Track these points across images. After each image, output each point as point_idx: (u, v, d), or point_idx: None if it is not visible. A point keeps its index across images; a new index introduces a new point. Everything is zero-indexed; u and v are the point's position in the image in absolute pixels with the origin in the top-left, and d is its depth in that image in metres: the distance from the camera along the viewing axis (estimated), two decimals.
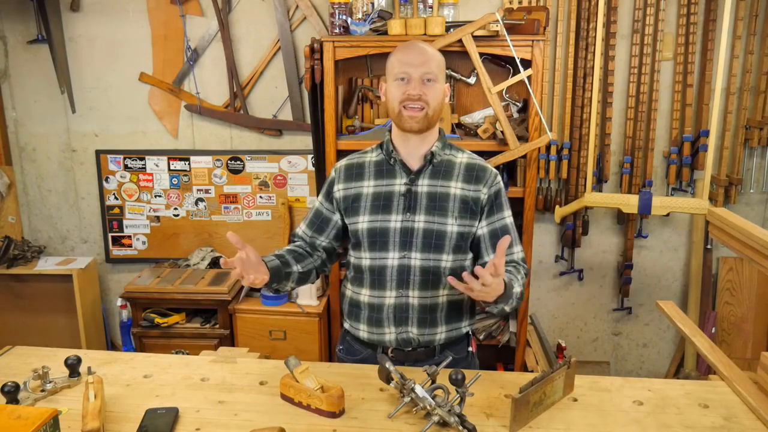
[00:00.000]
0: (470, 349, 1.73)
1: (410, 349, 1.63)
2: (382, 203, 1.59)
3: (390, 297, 1.60)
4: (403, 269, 1.58)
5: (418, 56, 1.54)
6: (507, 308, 1.49)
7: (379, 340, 1.64)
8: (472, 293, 1.37)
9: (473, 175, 1.61)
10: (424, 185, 1.59)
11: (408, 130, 1.57)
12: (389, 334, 1.62)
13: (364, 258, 1.62)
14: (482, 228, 1.61)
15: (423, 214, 1.57)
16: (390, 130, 1.66)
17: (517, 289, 1.51)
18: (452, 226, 1.58)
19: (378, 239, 1.59)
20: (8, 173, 3.26)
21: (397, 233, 1.58)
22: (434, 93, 1.55)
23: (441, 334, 1.63)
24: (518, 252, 1.64)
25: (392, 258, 1.59)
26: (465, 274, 1.34)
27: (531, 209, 2.56)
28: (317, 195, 2.92)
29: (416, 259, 1.58)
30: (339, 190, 1.66)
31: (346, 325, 1.72)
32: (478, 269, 1.31)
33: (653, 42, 2.81)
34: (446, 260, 1.59)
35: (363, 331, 1.66)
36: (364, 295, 1.64)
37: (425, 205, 1.57)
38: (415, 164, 1.62)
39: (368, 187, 1.62)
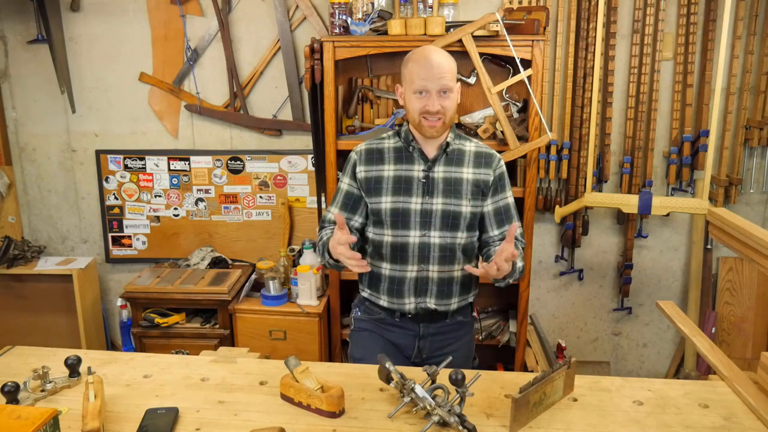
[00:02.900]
0: (474, 314, 1.97)
1: (427, 313, 1.81)
2: (403, 186, 1.75)
3: (412, 271, 1.77)
4: (424, 246, 1.75)
5: (436, 71, 1.66)
6: (510, 281, 1.71)
7: (398, 308, 1.81)
8: (486, 275, 1.57)
9: (482, 161, 1.79)
10: (440, 171, 1.76)
11: (428, 137, 1.74)
12: (409, 304, 1.80)
13: (386, 235, 1.78)
14: (487, 206, 1.79)
15: (440, 197, 1.74)
16: (408, 121, 1.79)
17: (520, 264, 1.70)
18: (466, 207, 1.75)
19: (400, 219, 1.75)
20: (8, 173, 3.26)
21: (418, 214, 1.74)
22: (450, 103, 1.70)
23: (454, 304, 1.82)
24: (518, 227, 1.78)
25: (413, 236, 1.75)
26: (483, 264, 1.59)
27: (531, 209, 2.56)
28: (317, 194, 2.96)
29: (435, 237, 1.75)
30: (361, 172, 1.78)
31: (365, 294, 1.88)
32: (498, 262, 1.52)
33: (653, 42, 2.81)
34: (461, 237, 1.77)
35: (383, 300, 1.82)
36: (385, 268, 1.80)
37: (442, 189, 1.74)
38: (431, 153, 1.77)
39: (389, 170, 1.77)
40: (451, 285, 1.79)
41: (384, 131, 2.56)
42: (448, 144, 1.76)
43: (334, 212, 1.79)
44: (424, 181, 1.74)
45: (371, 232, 1.81)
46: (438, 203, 1.74)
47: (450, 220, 1.74)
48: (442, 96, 1.68)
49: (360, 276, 1.88)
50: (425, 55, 1.70)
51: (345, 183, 1.82)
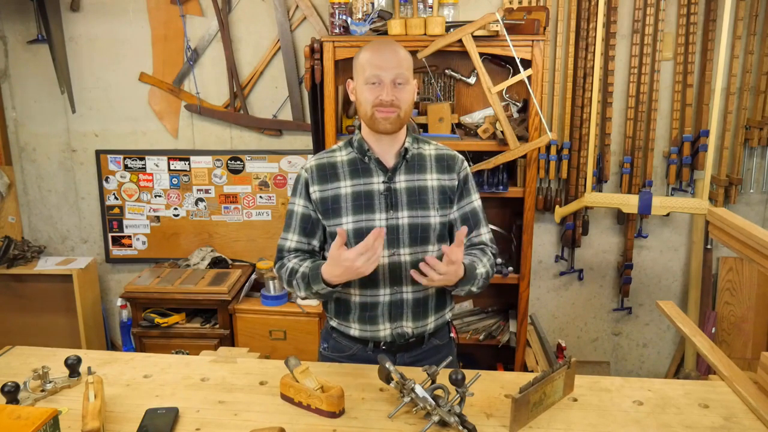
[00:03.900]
0: (451, 334, 1.79)
1: (403, 341, 1.65)
2: (364, 203, 1.59)
3: (384, 295, 1.61)
4: (395, 266, 1.60)
5: (390, 59, 1.54)
6: (474, 289, 1.57)
7: (372, 336, 1.65)
8: (433, 283, 1.45)
9: (444, 165, 1.66)
10: (401, 181, 1.61)
11: (382, 132, 1.58)
12: (384, 330, 1.63)
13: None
14: (453, 213, 1.66)
15: (406, 210, 1.59)
16: (359, 129, 1.66)
17: (481, 270, 1.58)
18: (435, 217, 1.61)
19: (363, 239, 1.58)
20: (8, 173, 3.26)
21: (384, 232, 1.58)
22: (406, 95, 1.56)
23: (431, 324, 1.67)
24: (485, 233, 1.69)
25: (382, 256, 1.58)
26: (422, 265, 1.44)
27: (531, 209, 2.56)
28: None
29: (405, 254, 1.60)
30: (315, 192, 1.62)
31: (333, 323, 1.71)
32: (429, 258, 1.43)
33: (653, 42, 2.81)
34: (432, 251, 1.62)
35: (354, 329, 1.66)
36: (355, 295, 1.63)
37: (406, 201, 1.60)
38: (390, 161, 1.63)
39: (346, 187, 1.61)
40: (426, 304, 1.64)
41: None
42: (406, 150, 1.62)
43: (292, 240, 1.64)
44: (385, 194, 1.59)
45: None
46: (404, 217, 1.59)
47: (419, 234, 1.59)
48: (397, 87, 1.54)
49: (324, 304, 1.71)
50: (379, 44, 1.59)
51: (299, 205, 1.64)
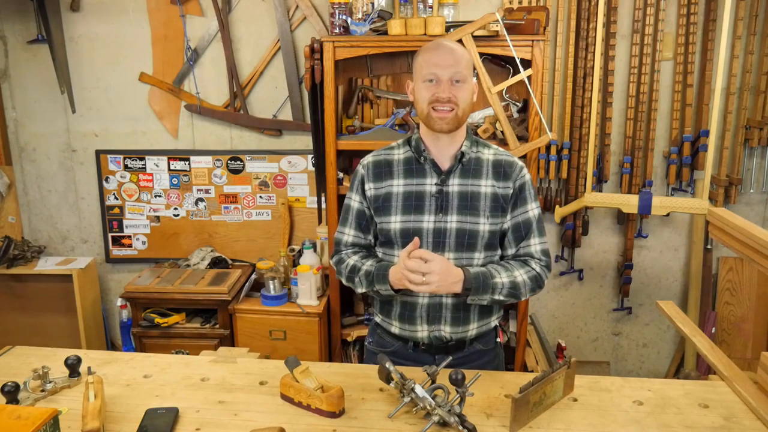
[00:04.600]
0: (498, 340, 1.76)
1: (442, 344, 1.65)
2: (414, 203, 1.59)
3: (424, 296, 1.61)
4: None
5: (447, 57, 1.53)
6: (499, 297, 1.54)
7: (410, 336, 1.66)
8: (425, 288, 1.45)
9: (501, 171, 1.62)
10: (455, 185, 1.60)
11: (438, 131, 1.57)
12: (422, 331, 1.64)
13: (396, 257, 1.61)
14: (507, 222, 1.62)
15: (455, 214, 1.58)
16: (418, 128, 1.65)
17: (503, 279, 1.54)
18: (484, 225, 1.58)
19: (411, 239, 1.55)
20: (8, 173, 3.26)
21: (430, 234, 1.58)
22: (463, 94, 1.54)
23: (473, 330, 1.65)
24: (535, 245, 1.63)
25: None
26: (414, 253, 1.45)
27: None
28: (317, 194, 2.95)
29: (449, 259, 1.57)
30: (370, 189, 1.64)
31: (378, 319, 1.73)
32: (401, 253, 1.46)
33: (653, 42, 2.81)
34: (478, 258, 1.60)
35: (395, 327, 1.67)
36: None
37: (457, 205, 1.58)
38: (445, 163, 1.61)
39: (398, 186, 1.62)
40: (468, 311, 1.62)
41: (379, 135, 2.54)
42: (463, 153, 1.59)
43: (349, 234, 1.67)
44: (437, 196, 1.58)
45: (380, 253, 1.67)
46: (452, 221, 1.57)
47: (466, 240, 1.58)
48: (455, 85, 1.52)
49: (374, 301, 1.73)
50: (437, 43, 1.57)
51: (355, 201, 1.66)
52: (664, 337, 3.23)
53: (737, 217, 1.75)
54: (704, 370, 2.99)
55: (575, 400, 1.46)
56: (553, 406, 1.42)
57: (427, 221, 1.58)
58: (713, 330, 3.00)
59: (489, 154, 1.64)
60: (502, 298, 1.55)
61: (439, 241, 1.58)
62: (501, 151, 1.66)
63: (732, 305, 3.04)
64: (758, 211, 3.02)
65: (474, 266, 1.59)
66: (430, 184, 1.60)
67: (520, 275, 1.57)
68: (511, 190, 1.61)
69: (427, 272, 1.44)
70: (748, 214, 2.98)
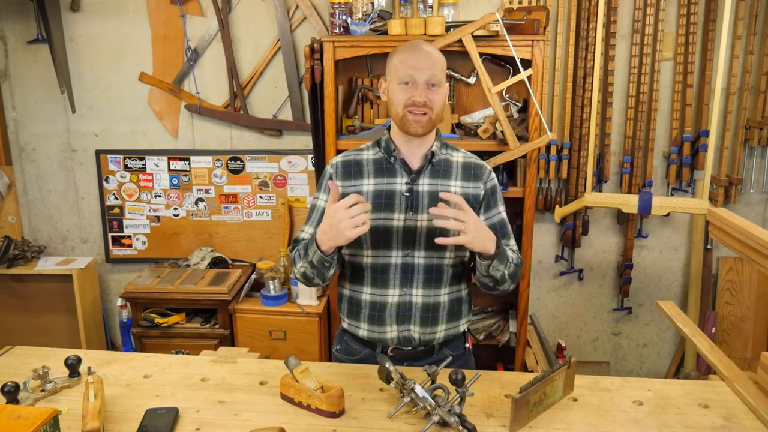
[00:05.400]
0: (467, 345, 1.75)
1: (410, 348, 1.64)
2: (384, 201, 1.59)
3: (393, 295, 1.61)
4: (406, 268, 1.60)
5: (425, 60, 1.53)
6: (505, 271, 1.53)
7: (379, 338, 1.64)
8: (462, 238, 1.41)
9: (471, 173, 1.64)
10: (425, 184, 1.60)
11: (413, 134, 1.57)
12: (390, 332, 1.62)
13: (365, 256, 1.61)
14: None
15: (426, 213, 1.57)
16: (389, 129, 1.65)
17: (510, 255, 1.56)
18: None
19: (381, 237, 1.58)
20: (8, 173, 3.26)
21: (401, 232, 1.58)
22: (438, 97, 1.55)
23: (441, 332, 1.64)
24: (511, 245, 1.65)
25: (395, 256, 1.59)
26: (441, 204, 1.42)
27: (531, 209, 2.56)
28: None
29: (420, 257, 1.59)
30: (338, 187, 1.60)
31: (345, 324, 1.71)
32: (443, 194, 1.43)
33: (653, 42, 2.81)
34: (448, 257, 1.60)
35: (363, 330, 1.65)
36: (365, 293, 1.63)
37: (427, 204, 1.57)
38: (415, 164, 1.62)
39: (368, 185, 1.61)
40: (436, 310, 1.62)
41: (379, 134, 2.53)
42: (433, 154, 1.61)
43: (309, 232, 1.62)
44: (407, 194, 1.58)
45: (348, 254, 1.65)
46: (423, 220, 1.57)
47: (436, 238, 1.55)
48: (431, 89, 1.53)
49: (340, 304, 1.71)
50: (414, 45, 1.57)
51: (322, 200, 1.64)
52: (664, 337, 3.23)
53: (737, 217, 1.75)
54: (704, 370, 2.99)
55: (575, 400, 1.46)
56: (553, 406, 1.42)
57: (398, 219, 1.58)
58: (713, 330, 3.00)
59: (458, 156, 1.66)
60: (507, 273, 1.54)
61: (409, 240, 1.58)
62: (470, 155, 1.68)
63: (732, 305, 3.04)
64: (758, 211, 3.02)
65: (444, 265, 1.60)
66: (400, 183, 1.60)
67: (511, 266, 1.58)
68: (483, 191, 1.63)
69: (464, 220, 1.39)
70: (748, 214, 2.98)
